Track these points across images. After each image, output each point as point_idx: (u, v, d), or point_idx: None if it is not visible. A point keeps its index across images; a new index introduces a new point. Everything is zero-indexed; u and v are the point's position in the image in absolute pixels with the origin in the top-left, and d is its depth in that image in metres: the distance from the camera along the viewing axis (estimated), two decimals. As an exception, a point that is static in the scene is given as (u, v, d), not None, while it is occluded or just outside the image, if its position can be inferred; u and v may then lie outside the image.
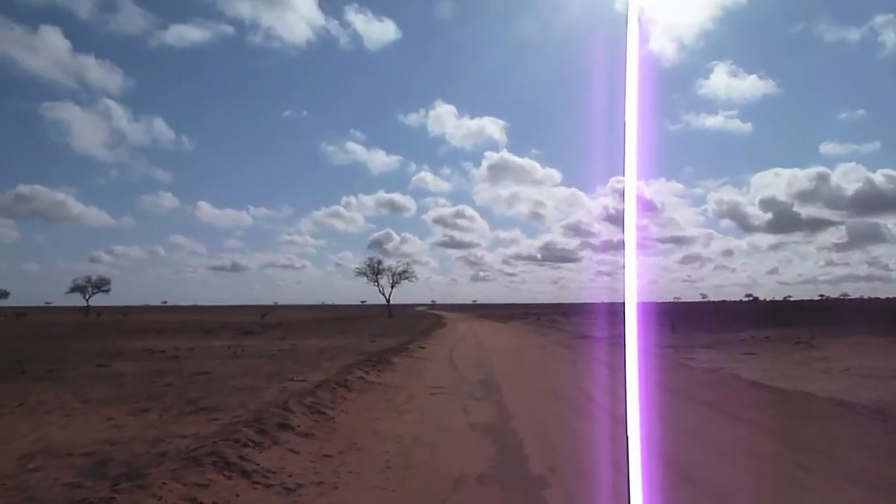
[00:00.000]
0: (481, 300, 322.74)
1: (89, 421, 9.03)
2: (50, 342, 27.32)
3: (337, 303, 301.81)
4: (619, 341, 26.06)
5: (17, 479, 6.17)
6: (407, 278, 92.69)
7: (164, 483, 5.57)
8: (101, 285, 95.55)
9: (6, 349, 22.92)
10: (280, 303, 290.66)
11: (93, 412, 9.68)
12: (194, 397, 10.84)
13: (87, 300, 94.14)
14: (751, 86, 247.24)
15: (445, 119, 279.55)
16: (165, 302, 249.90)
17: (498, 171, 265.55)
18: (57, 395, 11.44)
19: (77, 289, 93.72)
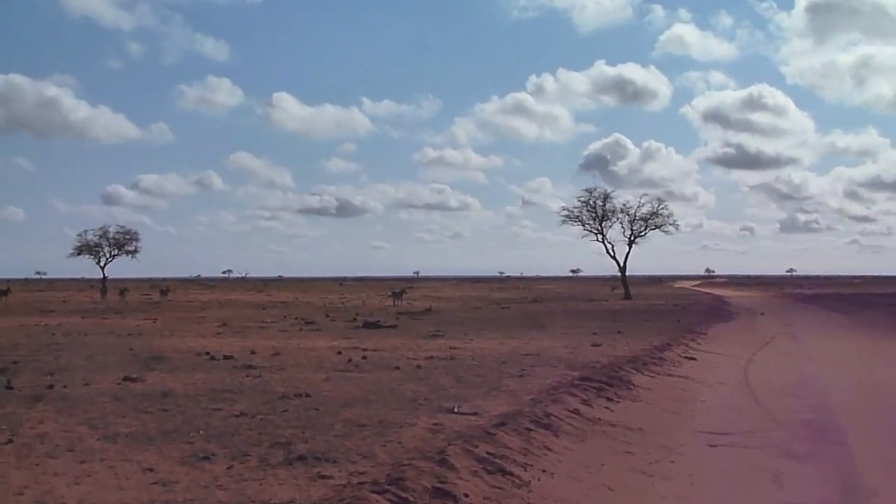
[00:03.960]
0: (803, 269, 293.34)
1: (117, 472, 9.34)
2: (47, 338, 28.30)
3: (527, 273, 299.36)
4: None
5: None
6: (658, 226, 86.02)
7: None
8: (124, 242, 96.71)
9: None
10: (425, 272, 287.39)
11: (121, 457, 10.07)
12: (286, 437, 11.23)
13: (102, 267, 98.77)
14: None
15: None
16: (229, 271, 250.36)
17: (829, 16, 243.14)
18: (64, 426, 11.97)
19: (85, 249, 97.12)
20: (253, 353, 23.34)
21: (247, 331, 33.52)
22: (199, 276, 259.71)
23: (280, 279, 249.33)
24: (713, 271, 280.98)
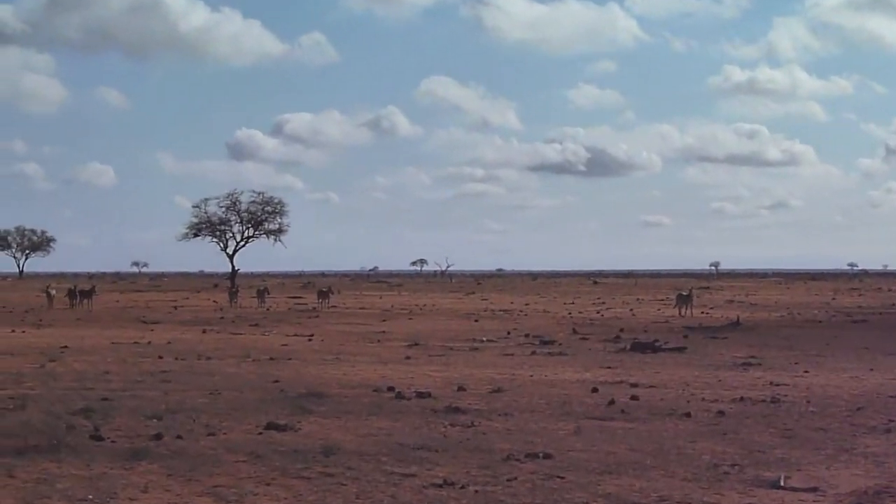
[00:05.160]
0: None
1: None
2: (151, 363, 25.36)
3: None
4: None
5: None
6: None
7: None
8: (262, 217, 79.70)
9: (56, 379, 21.22)
10: (728, 263, 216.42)
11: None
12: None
13: (230, 256, 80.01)
14: None
15: None
16: (421, 262, 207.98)
17: None
18: (178, 496, 10.53)
19: (205, 228, 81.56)
20: (461, 388, 20.11)
21: (450, 354, 29.32)
22: (375, 268, 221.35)
23: (500, 274, 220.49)
24: None
